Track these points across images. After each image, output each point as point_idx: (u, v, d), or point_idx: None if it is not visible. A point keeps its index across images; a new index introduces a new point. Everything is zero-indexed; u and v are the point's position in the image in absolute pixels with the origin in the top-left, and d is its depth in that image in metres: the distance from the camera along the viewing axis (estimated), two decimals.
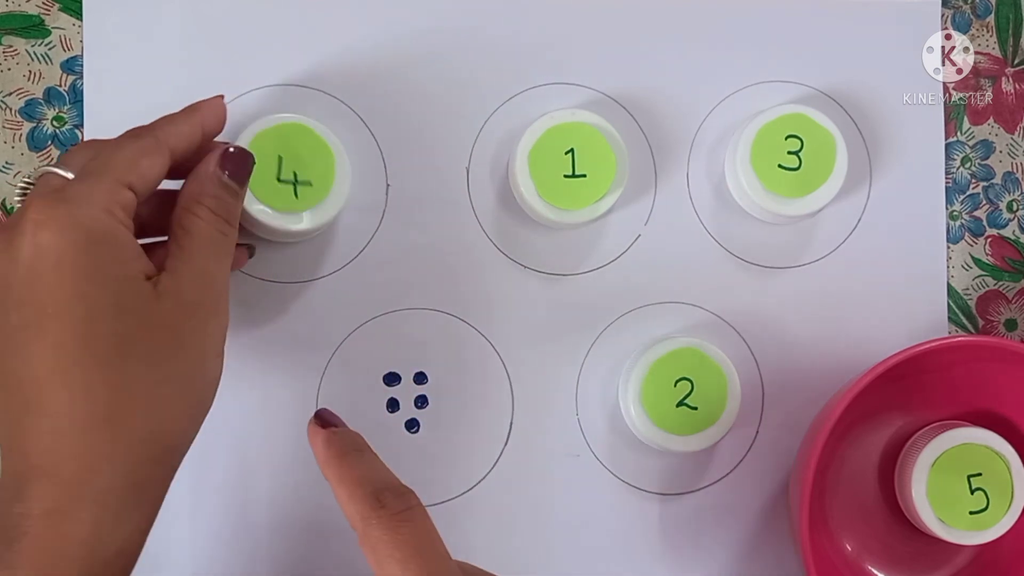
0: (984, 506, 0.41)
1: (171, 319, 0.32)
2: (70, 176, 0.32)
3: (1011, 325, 0.47)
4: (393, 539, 0.30)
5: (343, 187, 0.41)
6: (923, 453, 0.41)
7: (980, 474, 0.41)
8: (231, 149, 0.36)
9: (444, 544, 0.31)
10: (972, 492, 0.41)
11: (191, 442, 0.34)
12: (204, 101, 0.38)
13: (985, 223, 0.47)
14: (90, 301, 0.30)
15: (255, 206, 0.40)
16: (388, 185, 0.44)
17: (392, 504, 0.31)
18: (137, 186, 0.33)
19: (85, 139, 0.43)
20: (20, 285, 0.30)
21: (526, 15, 0.45)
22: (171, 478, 0.34)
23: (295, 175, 0.40)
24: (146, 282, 0.32)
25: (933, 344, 0.40)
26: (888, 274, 0.46)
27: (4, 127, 0.43)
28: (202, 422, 0.34)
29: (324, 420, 0.36)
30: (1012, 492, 0.41)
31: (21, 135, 0.43)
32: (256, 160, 0.38)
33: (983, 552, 0.45)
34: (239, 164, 0.36)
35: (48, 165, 0.37)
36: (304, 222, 0.40)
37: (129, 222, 0.32)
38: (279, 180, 0.40)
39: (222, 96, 0.38)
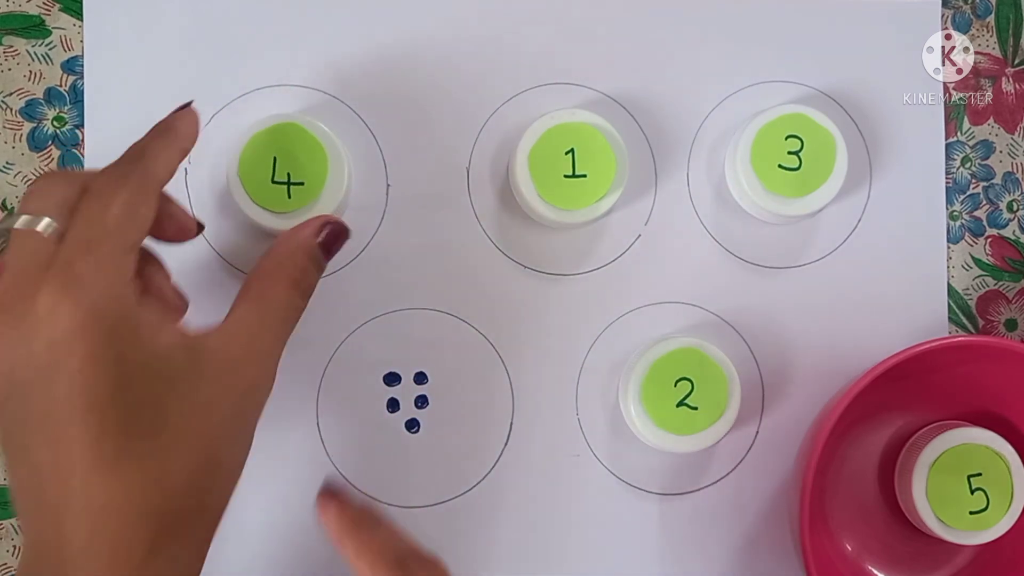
0: (984, 506, 0.41)
1: (214, 386, 0.30)
2: (49, 231, 0.29)
3: (1011, 325, 0.47)
4: None
5: (337, 187, 0.41)
6: (923, 453, 0.41)
7: (980, 474, 0.41)
8: (331, 223, 0.35)
9: None
10: (972, 492, 0.41)
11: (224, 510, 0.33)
12: (177, 117, 0.34)
13: (985, 223, 0.47)
14: (122, 390, 0.28)
15: (249, 207, 0.40)
16: (388, 185, 0.44)
17: (418, 572, 0.30)
18: (139, 243, 0.31)
19: (85, 139, 0.44)
20: (41, 378, 0.28)
21: (526, 15, 0.45)
22: (209, 544, 0.32)
23: (288, 176, 0.40)
24: (180, 349, 0.30)
25: (933, 344, 0.40)
26: (888, 274, 0.46)
27: (4, 127, 0.43)
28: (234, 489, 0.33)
29: (333, 491, 0.35)
30: (1012, 492, 0.41)
31: (22, 135, 0.43)
32: (254, 161, 0.38)
33: (983, 552, 0.45)
34: (335, 240, 0.36)
35: (10, 214, 0.34)
36: (297, 222, 0.41)
37: (139, 287, 0.31)
38: (273, 181, 0.40)
39: (191, 104, 0.35)
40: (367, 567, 0.31)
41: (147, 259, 0.35)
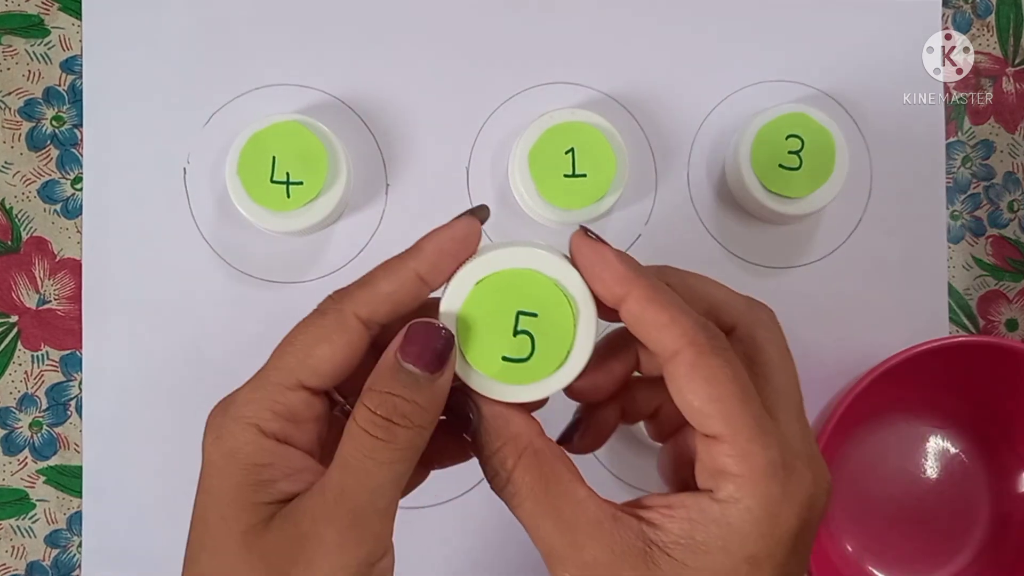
0: (526, 356, 0.29)
1: (274, 560, 0.27)
2: None
3: (1012, 325, 0.47)
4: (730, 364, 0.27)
5: (336, 186, 0.41)
6: (472, 263, 0.29)
7: (536, 315, 0.29)
8: (414, 324, 0.28)
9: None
10: (516, 334, 0.29)
11: None
12: (430, 236, 0.29)
13: (986, 223, 0.47)
14: (230, 527, 0.27)
15: (248, 207, 0.40)
16: (388, 185, 0.44)
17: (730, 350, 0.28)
18: (311, 382, 0.28)
19: (84, 139, 0.43)
20: (202, 483, 0.28)
21: (526, 15, 0.45)
22: None
23: (288, 175, 0.40)
24: (272, 507, 0.27)
25: (933, 344, 0.40)
26: (888, 274, 0.46)
27: (3, 127, 0.43)
28: None
29: (589, 233, 0.29)
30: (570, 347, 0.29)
31: (20, 135, 0.43)
32: (253, 160, 0.38)
33: (984, 552, 0.45)
34: (423, 344, 0.28)
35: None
36: (296, 221, 0.41)
37: (295, 431, 0.28)
38: (272, 181, 0.40)
39: (466, 219, 0.30)
40: (672, 322, 0.27)
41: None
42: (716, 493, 0.27)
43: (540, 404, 0.30)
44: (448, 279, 0.28)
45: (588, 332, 0.28)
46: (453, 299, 0.28)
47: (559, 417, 0.32)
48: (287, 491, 0.27)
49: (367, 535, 0.27)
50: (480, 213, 0.30)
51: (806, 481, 0.27)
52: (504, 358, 0.28)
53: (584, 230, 0.29)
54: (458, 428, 0.30)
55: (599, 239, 0.29)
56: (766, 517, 0.26)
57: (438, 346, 0.28)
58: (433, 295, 0.29)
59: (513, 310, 0.28)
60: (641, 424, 0.42)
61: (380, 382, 0.27)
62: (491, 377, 0.28)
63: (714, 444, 0.27)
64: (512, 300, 0.28)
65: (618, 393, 0.32)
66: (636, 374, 0.32)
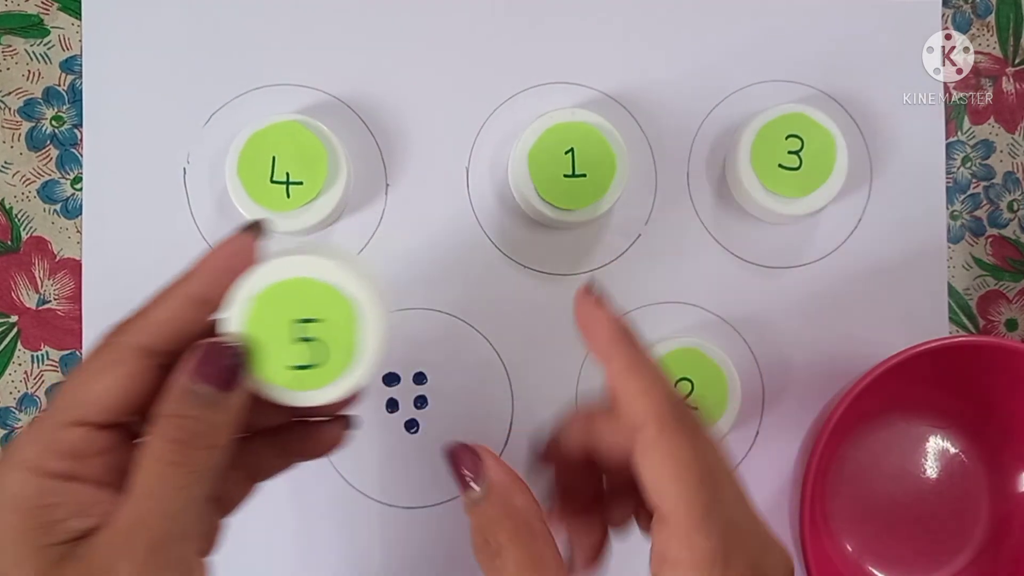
0: (314, 362, 0.29)
1: None
2: None
3: (1012, 325, 0.47)
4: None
5: (336, 186, 0.41)
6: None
7: (318, 320, 0.29)
8: (201, 345, 0.27)
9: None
10: (300, 341, 0.29)
11: None
12: (202, 258, 0.29)
13: (986, 223, 0.47)
14: (25, 573, 0.26)
15: (248, 207, 0.40)
16: (388, 185, 0.44)
17: (690, 414, 0.29)
18: (90, 417, 0.27)
19: (84, 139, 0.44)
20: None
21: (526, 15, 0.45)
22: None
23: (287, 175, 0.40)
24: (63, 547, 0.26)
25: (933, 344, 0.40)
26: (888, 274, 0.46)
27: (3, 127, 0.43)
28: None
29: (593, 292, 0.31)
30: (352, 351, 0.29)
31: (20, 135, 0.43)
32: (253, 160, 0.38)
33: (984, 552, 0.45)
34: (215, 363, 0.27)
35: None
36: (296, 221, 0.41)
37: (81, 467, 0.27)
38: (272, 181, 0.40)
39: (238, 236, 0.29)
40: (642, 393, 0.28)
41: None
42: None
43: (346, 403, 0.32)
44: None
45: (375, 329, 0.29)
46: (235, 316, 0.28)
47: None
48: (79, 528, 0.27)
49: (168, 562, 0.26)
50: (255, 230, 0.30)
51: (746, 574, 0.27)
52: (293, 366, 0.29)
53: (588, 287, 0.30)
54: (278, 436, 0.31)
55: (599, 299, 0.30)
56: None
57: (228, 363, 0.27)
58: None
59: (294, 318, 0.29)
60: None
61: (170, 406, 0.27)
62: (283, 386, 0.29)
63: (663, 527, 0.27)
64: (292, 309, 0.29)
65: (594, 507, 0.32)
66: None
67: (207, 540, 0.32)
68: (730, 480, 0.28)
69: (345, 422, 0.33)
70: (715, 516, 0.27)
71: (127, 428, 0.29)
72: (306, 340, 0.29)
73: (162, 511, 0.26)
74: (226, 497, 0.32)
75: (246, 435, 0.32)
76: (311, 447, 0.32)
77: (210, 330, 0.29)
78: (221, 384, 0.27)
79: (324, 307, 0.29)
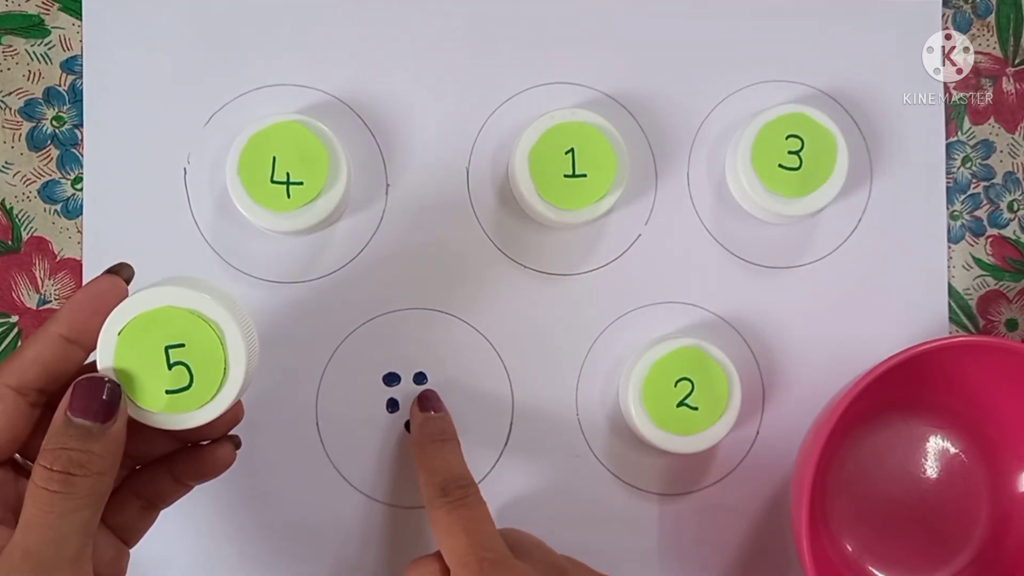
0: (187, 384, 0.31)
1: None
2: None
3: (1012, 325, 0.47)
4: (449, 519, 0.35)
5: (336, 186, 0.41)
6: None
7: (184, 345, 0.31)
8: (78, 381, 0.29)
9: (494, 525, 0.36)
10: (171, 367, 0.31)
11: None
12: (69, 299, 0.31)
13: (986, 223, 0.47)
14: None
15: (248, 207, 0.40)
16: (388, 185, 0.44)
17: (454, 493, 0.36)
18: None
19: (84, 139, 0.44)
20: None
21: (526, 15, 0.45)
22: None
23: (288, 175, 0.40)
24: None
25: (933, 344, 0.40)
26: (888, 274, 0.46)
27: (4, 127, 0.43)
28: None
29: (424, 404, 0.41)
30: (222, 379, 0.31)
31: (20, 135, 0.43)
32: (253, 161, 0.38)
33: (984, 552, 0.45)
34: (89, 397, 0.29)
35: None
36: (296, 222, 0.41)
37: None
38: (272, 181, 0.40)
39: (104, 277, 0.32)
40: (422, 480, 0.38)
41: None
42: None
43: (229, 423, 0.36)
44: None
45: (238, 346, 0.31)
46: (105, 351, 0.30)
47: None
48: None
49: None
50: (122, 272, 0.33)
51: None
52: (167, 391, 0.31)
53: (418, 398, 0.42)
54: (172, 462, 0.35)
55: (419, 404, 0.42)
56: None
57: (104, 396, 0.29)
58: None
59: (161, 346, 0.31)
60: (641, 424, 0.42)
61: (52, 440, 0.29)
62: (161, 412, 0.31)
63: None
64: (157, 337, 0.31)
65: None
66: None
67: (109, 567, 0.33)
68: None
69: (233, 441, 0.36)
70: None
71: (16, 465, 0.31)
72: (178, 364, 0.31)
73: (49, 537, 0.28)
74: (129, 525, 0.34)
75: (140, 465, 0.35)
76: (204, 469, 0.35)
77: (92, 366, 0.31)
78: (98, 416, 0.29)
79: (190, 332, 0.31)
